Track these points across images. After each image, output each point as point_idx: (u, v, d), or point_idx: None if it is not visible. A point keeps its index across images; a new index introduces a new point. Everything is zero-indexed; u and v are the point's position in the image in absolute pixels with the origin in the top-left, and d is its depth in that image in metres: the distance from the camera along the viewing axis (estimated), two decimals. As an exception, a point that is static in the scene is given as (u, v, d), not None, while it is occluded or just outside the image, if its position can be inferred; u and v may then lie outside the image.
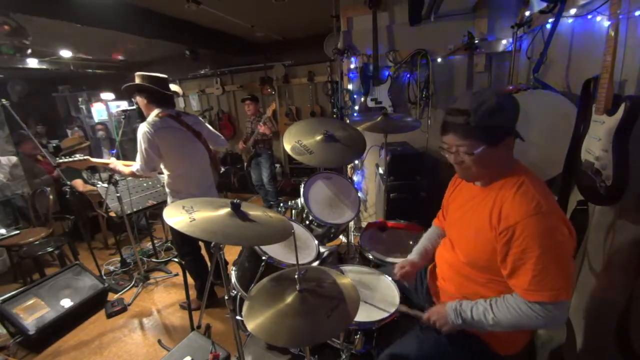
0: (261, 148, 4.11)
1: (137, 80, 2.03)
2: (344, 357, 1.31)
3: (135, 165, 2.04)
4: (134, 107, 2.42)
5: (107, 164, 2.24)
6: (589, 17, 1.40)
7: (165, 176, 2.15)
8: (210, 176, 2.30)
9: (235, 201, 1.11)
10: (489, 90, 0.98)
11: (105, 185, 2.64)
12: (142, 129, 1.96)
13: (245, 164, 4.29)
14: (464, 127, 0.95)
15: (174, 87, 2.26)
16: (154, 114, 2.04)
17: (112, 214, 2.88)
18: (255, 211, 1.16)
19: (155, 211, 3.41)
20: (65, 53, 4.25)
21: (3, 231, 3.22)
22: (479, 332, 1.09)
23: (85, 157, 2.27)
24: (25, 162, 3.56)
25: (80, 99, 5.35)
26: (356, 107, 2.97)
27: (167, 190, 2.18)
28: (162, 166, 2.10)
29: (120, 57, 4.97)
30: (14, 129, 3.66)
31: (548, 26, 1.73)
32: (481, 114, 0.92)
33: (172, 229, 1.09)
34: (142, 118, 2.15)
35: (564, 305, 0.91)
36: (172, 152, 2.05)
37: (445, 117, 1.02)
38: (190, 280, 2.30)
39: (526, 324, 0.94)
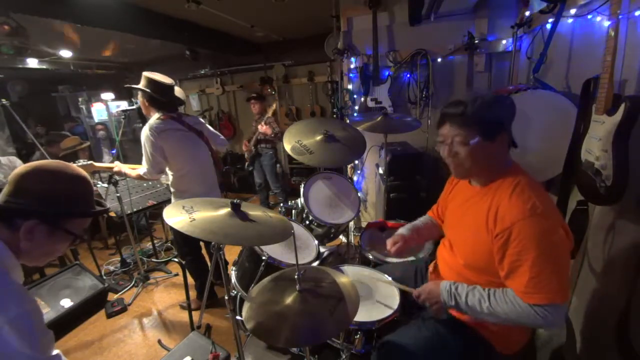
0: (262, 148, 4.07)
1: (142, 82, 2.01)
2: (344, 357, 1.31)
3: (142, 169, 2.05)
4: (134, 107, 2.42)
5: (111, 168, 2.24)
6: (589, 17, 1.41)
7: (169, 177, 2.15)
8: (213, 175, 2.31)
9: (235, 201, 1.11)
10: (487, 92, 1.01)
11: (105, 185, 2.64)
12: (145, 132, 1.96)
13: (246, 163, 4.25)
14: (461, 116, 0.97)
15: (178, 92, 2.21)
16: (155, 116, 2.03)
17: (112, 214, 2.88)
18: (255, 211, 1.16)
19: (155, 211, 3.41)
20: (65, 53, 4.24)
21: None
22: (479, 328, 1.09)
23: (89, 162, 2.26)
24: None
25: (80, 99, 5.34)
26: (356, 107, 2.97)
27: (171, 190, 2.19)
28: (166, 167, 2.10)
29: (119, 57, 4.97)
30: (14, 129, 3.67)
31: (548, 26, 1.73)
32: (477, 105, 0.95)
33: (173, 228, 1.09)
34: (142, 118, 2.16)
35: (561, 308, 0.91)
36: (176, 153, 2.05)
37: (442, 110, 1.04)
38: (190, 280, 2.30)
39: (523, 320, 0.94)
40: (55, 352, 0.80)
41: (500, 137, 0.98)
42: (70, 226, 0.84)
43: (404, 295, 1.35)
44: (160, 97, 2.01)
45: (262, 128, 3.86)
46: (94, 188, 0.91)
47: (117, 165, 2.21)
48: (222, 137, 2.40)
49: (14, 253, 0.78)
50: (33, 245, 0.79)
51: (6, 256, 0.76)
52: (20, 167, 0.81)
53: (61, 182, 0.82)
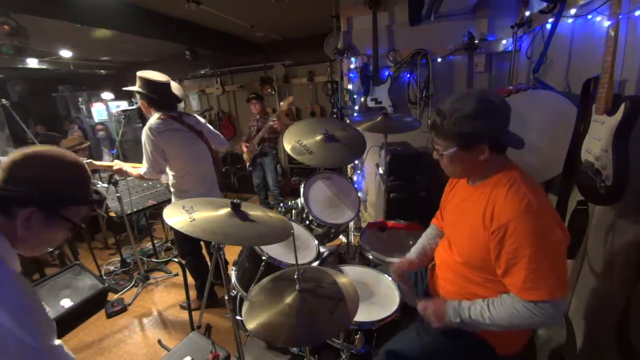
0: (267, 147, 4.02)
1: (138, 83, 2.00)
2: (344, 357, 1.31)
3: (143, 168, 2.05)
4: (134, 107, 2.42)
5: (111, 166, 2.24)
6: (589, 17, 1.41)
7: (170, 177, 2.15)
8: (213, 176, 2.31)
9: (235, 201, 1.11)
10: (477, 93, 0.99)
11: (105, 185, 2.64)
12: (146, 132, 1.96)
13: (247, 164, 4.18)
14: (440, 128, 1.02)
15: (176, 89, 2.20)
16: (156, 116, 2.03)
17: (112, 214, 2.88)
18: (255, 211, 1.17)
19: (155, 211, 3.41)
20: (65, 53, 4.25)
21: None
22: (478, 331, 1.09)
23: (89, 160, 2.26)
24: None
25: (80, 99, 5.34)
26: (356, 107, 2.97)
27: (171, 190, 2.19)
28: (167, 167, 2.11)
29: (119, 57, 4.98)
30: (14, 129, 3.66)
31: (548, 26, 1.73)
32: (454, 119, 0.97)
33: (173, 228, 1.09)
34: (142, 118, 2.16)
35: (559, 303, 0.91)
36: (177, 154, 2.05)
37: (432, 115, 1.05)
38: (190, 280, 2.30)
39: (523, 323, 0.94)
40: (57, 342, 0.79)
41: (478, 148, 0.99)
42: (68, 213, 0.83)
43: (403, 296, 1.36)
44: (157, 96, 2.00)
45: (276, 123, 3.72)
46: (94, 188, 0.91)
47: (117, 164, 2.21)
48: (222, 137, 2.40)
49: (10, 242, 0.77)
50: (30, 233, 0.78)
51: (3, 246, 0.75)
52: (14, 154, 0.79)
53: (57, 169, 0.81)
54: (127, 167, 2.19)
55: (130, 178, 2.41)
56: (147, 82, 1.98)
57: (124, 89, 2.07)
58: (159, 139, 1.96)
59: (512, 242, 0.91)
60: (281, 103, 3.76)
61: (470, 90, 1.05)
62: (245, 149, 4.09)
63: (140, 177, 2.12)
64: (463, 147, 0.99)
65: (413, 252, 1.41)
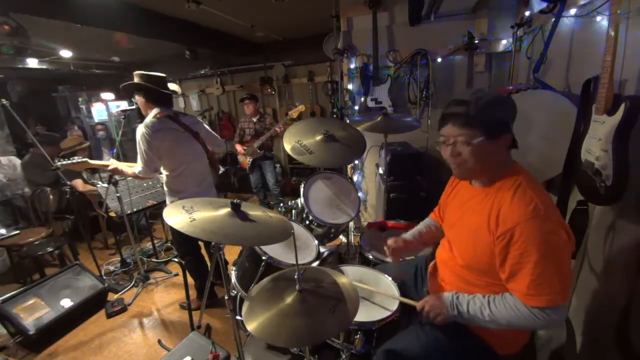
0: (267, 150, 4.02)
1: (136, 79, 2.04)
2: (344, 357, 1.31)
3: (137, 167, 2.05)
4: (134, 107, 2.43)
5: (107, 165, 2.24)
6: (589, 17, 1.40)
7: (164, 176, 2.15)
8: (209, 176, 2.30)
9: (235, 201, 1.11)
10: (489, 89, 0.99)
11: (105, 185, 2.64)
12: (140, 131, 1.97)
13: (247, 167, 4.09)
14: (464, 116, 0.96)
15: (172, 86, 2.25)
16: (152, 115, 2.04)
17: (112, 214, 2.88)
18: (255, 211, 1.17)
19: (155, 211, 3.41)
20: (65, 53, 4.25)
21: (3, 231, 3.22)
22: (478, 331, 1.09)
23: (84, 159, 2.27)
24: (37, 162, 3.43)
25: (80, 99, 5.35)
26: (356, 107, 2.97)
27: (165, 189, 2.19)
28: (161, 166, 2.10)
29: (119, 57, 4.97)
30: (13, 129, 3.65)
31: (548, 26, 1.73)
32: (481, 104, 0.94)
33: (172, 228, 1.10)
34: (142, 118, 2.16)
35: (562, 309, 0.91)
36: (171, 153, 2.05)
37: (444, 109, 1.02)
38: (190, 280, 2.30)
39: (523, 324, 0.94)
40: None
41: (504, 137, 0.97)
42: None
43: (403, 295, 1.36)
44: (155, 86, 2.03)
45: (280, 130, 3.74)
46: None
47: (113, 163, 2.21)
48: (219, 138, 2.40)
49: None
50: None
51: None
52: None
53: None
54: (122, 166, 2.20)
55: (130, 178, 2.41)
56: (145, 75, 2.03)
57: (122, 85, 2.08)
58: (154, 137, 1.96)
59: (518, 247, 0.90)
60: (292, 111, 3.79)
61: (480, 87, 1.05)
62: (242, 151, 4.01)
63: (135, 176, 2.12)
64: (490, 135, 0.95)
65: (409, 233, 1.44)
